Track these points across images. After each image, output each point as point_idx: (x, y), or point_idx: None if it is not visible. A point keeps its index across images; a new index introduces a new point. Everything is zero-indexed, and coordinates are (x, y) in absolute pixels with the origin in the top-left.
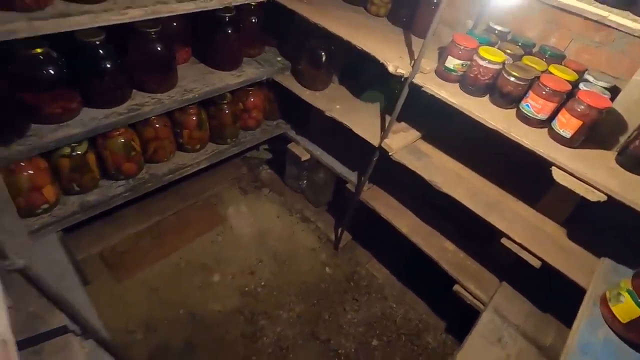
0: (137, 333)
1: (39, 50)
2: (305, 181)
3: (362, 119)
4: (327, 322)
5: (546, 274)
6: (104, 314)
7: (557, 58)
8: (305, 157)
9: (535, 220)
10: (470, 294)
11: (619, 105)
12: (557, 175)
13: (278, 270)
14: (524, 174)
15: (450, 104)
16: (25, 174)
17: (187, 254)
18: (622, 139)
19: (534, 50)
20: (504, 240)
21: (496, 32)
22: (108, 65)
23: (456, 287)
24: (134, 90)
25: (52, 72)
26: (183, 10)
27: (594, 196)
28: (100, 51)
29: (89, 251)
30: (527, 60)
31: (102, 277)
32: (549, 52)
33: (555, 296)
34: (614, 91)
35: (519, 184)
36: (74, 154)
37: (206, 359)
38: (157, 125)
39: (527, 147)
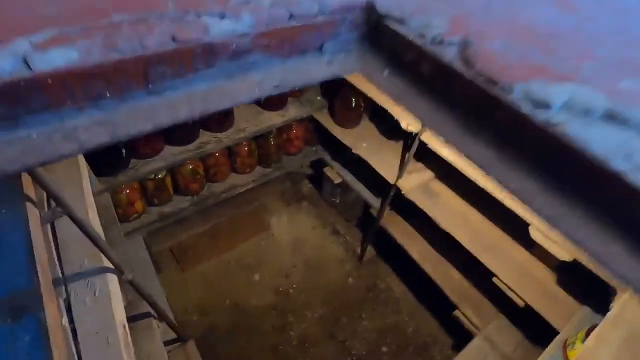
0: (193, 315)
1: None
2: (338, 198)
3: (384, 157)
4: (344, 325)
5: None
6: (170, 297)
7: None
8: (337, 180)
9: (528, 263)
10: (468, 320)
11: None
12: (534, 234)
13: (308, 276)
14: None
15: (449, 161)
16: (124, 193)
17: (236, 254)
18: None
19: None
20: (494, 279)
21: None
22: None
23: (456, 312)
24: (201, 130)
25: None
26: None
27: (564, 256)
28: None
29: (162, 246)
30: None
31: (171, 267)
32: None
33: (546, 332)
34: None
35: (518, 228)
36: (156, 177)
37: (244, 342)
38: (217, 155)
39: (508, 206)
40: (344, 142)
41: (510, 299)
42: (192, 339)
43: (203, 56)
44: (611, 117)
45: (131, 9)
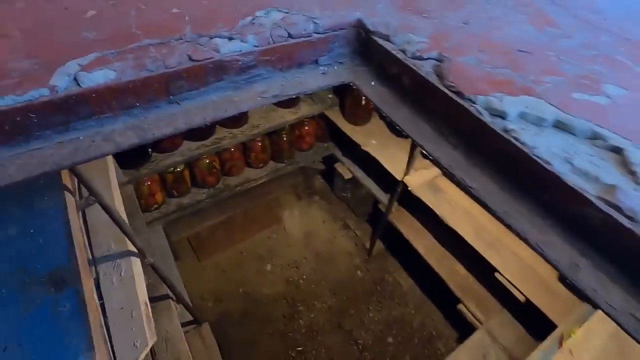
0: (208, 301)
1: None
2: (349, 193)
3: (392, 154)
4: (352, 316)
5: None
6: (187, 284)
7: None
8: (347, 176)
9: (531, 260)
10: (472, 314)
11: None
12: None
13: (318, 268)
14: None
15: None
16: (145, 184)
17: (249, 245)
18: None
19: None
20: (497, 274)
21: None
22: None
23: (460, 306)
24: (217, 126)
25: None
26: None
27: None
28: None
29: (180, 235)
30: None
31: (188, 256)
32: None
33: (547, 327)
34: None
35: None
36: (175, 170)
37: (256, 328)
38: (232, 150)
39: None
40: (354, 139)
41: (512, 294)
42: (206, 322)
43: (214, 72)
44: (559, 126)
45: (156, 33)
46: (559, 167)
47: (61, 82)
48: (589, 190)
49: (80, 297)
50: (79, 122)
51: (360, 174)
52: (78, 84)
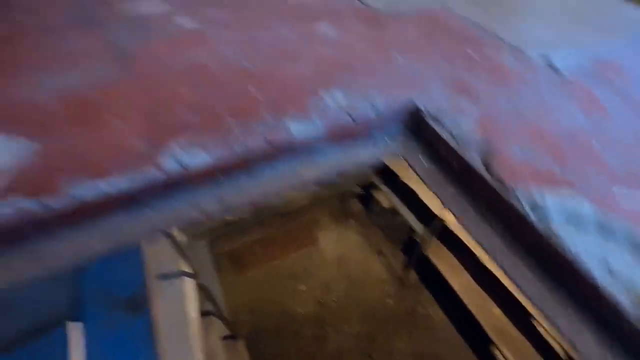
0: (243, 314)
1: None
2: (385, 221)
3: None
4: (380, 344)
5: None
6: (225, 296)
7: None
8: (385, 204)
9: None
10: (505, 357)
11: None
12: None
13: (349, 291)
14: None
15: None
16: None
17: (285, 263)
18: None
19: None
20: (534, 321)
21: None
22: None
23: (492, 348)
24: None
25: None
26: None
27: None
28: None
29: (221, 248)
30: None
31: (227, 269)
32: None
33: None
34: None
35: None
36: None
37: (286, 344)
38: None
39: None
40: (393, 169)
41: (550, 345)
42: (243, 338)
43: (285, 150)
44: (598, 227)
45: (239, 116)
46: (595, 270)
47: (166, 161)
48: (623, 297)
49: (152, 322)
50: (177, 192)
51: (398, 204)
52: (179, 164)
